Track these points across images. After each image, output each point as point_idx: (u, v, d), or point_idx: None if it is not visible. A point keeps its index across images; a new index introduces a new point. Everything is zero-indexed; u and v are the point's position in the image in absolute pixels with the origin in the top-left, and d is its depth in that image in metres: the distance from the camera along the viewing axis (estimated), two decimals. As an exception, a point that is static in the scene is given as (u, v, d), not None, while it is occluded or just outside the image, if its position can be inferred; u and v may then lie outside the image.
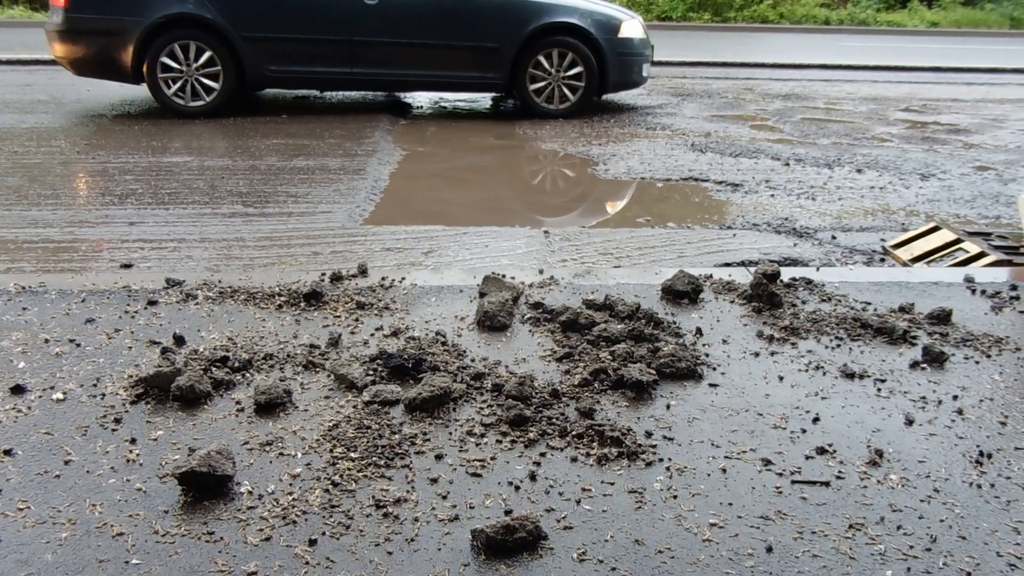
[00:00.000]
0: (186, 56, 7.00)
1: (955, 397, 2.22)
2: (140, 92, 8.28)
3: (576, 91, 7.61)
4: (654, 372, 2.24)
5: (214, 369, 2.22)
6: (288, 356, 2.35)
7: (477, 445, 1.93)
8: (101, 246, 3.77)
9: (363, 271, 3.01)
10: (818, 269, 3.26)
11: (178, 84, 7.06)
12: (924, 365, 2.40)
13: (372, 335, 2.50)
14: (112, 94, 8.26)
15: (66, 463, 1.82)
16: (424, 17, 7.30)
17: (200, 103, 7.14)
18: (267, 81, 7.42)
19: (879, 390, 2.25)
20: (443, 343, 2.44)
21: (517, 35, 7.37)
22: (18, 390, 2.12)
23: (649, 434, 1.99)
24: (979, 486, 1.82)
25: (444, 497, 1.73)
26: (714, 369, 2.34)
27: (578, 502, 1.73)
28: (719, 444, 1.96)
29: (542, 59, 7.49)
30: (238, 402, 2.09)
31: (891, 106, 8.79)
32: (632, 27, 7.69)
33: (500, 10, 7.36)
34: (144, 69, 7.00)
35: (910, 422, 2.08)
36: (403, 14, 7.26)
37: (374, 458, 1.85)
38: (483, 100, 8.69)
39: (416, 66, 7.44)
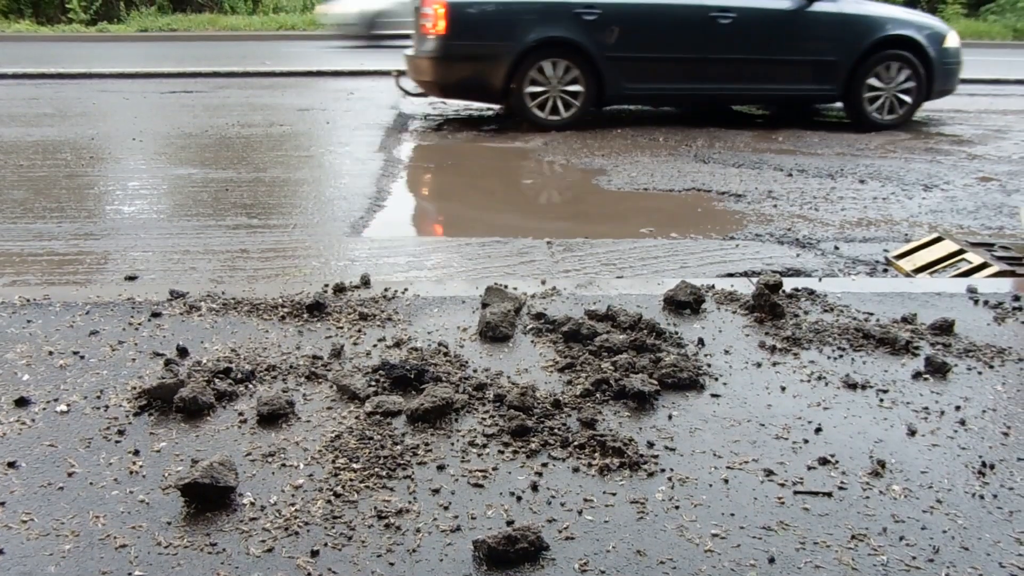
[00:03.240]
0: (544, 75, 7.38)
1: (958, 408, 2.22)
2: (149, 103, 8.33)
3: (904, 101, 7.90)
4: (656, 382, 2.24)
5: (217, 380, 2.22)
6: (291, 367, 2.35)
7: (479, 455, 1.93)
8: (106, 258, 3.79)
9: (366, 282, 3.02)
10: (820, 279, 3.26)
11: (540, 101, 7.46)
12: (927, 376, 2.39)
13: (375, 346, 2.51)
14: (115, 107, 8.31)
15: (70, 475, 1.83)
16: (771, 34, 7.64)
17: (565, 116, 7.51)
18: (623, 98, 7.83)
19: (881, 401, 2.25)
20: (445, 354, 2.45)
21: (856, 48, 7.71)
22: (22, 402, 2.13)
23: (651, 444, 1.99)
24: (982, 497, 1.82)
25: (446, 508, 1.74)
26: (716, 379, 2.35)
27: (580, 512, 1.73)
28: (721, 454, 1.96)
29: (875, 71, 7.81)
30: (241, 413, 2.10)
31: (894, 117, 8.78)
32: (953, 38, 8.04)
33: (842, 25, 7.71)
34: (510, 88, 7.42)
35: (912, 433, 2.08)
36: (752, 32, 7.61)
37: (376, 469, 1.85)
38: (483, 112, 8.72)
39: (758, 80, 7.83)
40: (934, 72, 7.87)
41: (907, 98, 7.91)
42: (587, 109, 7.55)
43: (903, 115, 7.98)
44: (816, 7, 7.62)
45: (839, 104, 8.19)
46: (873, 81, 7.83)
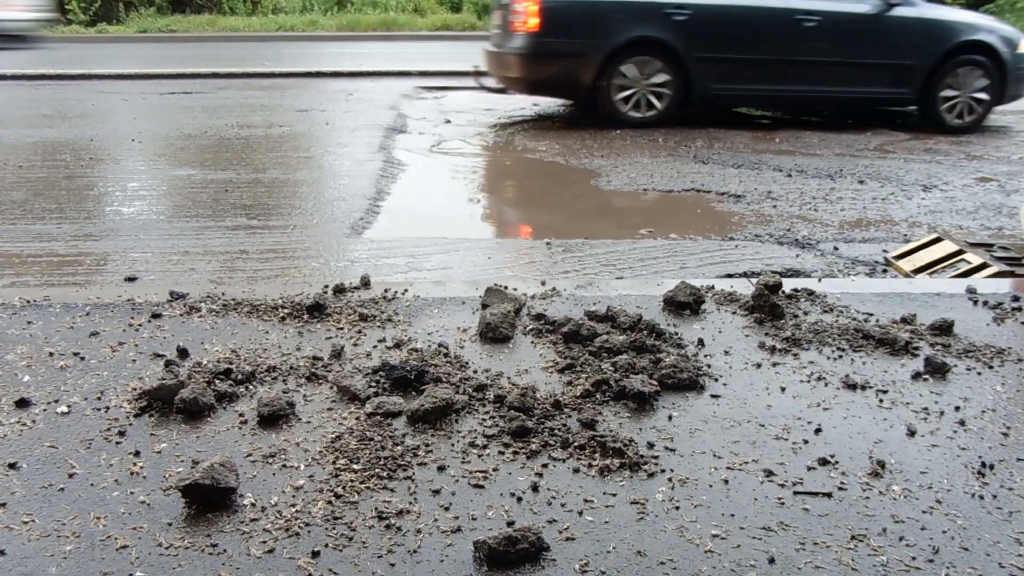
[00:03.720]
0: (631, 73, 7.51)
1: (957, 408, 2.22)
2: (148, 104, 8.34)
3: (980, 104, 8.01)
4: (656, 383, 2.24)
5: (217, 382, 2.23)
6: (291, 368, 2.35)
7: (479, 456, 1.93)
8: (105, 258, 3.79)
9: (366, 283, 3.02)
10: (820, 280, 3.27)
11: (626, 98, 7.59)
12: (926, 376, 2.40)
13: (375, 347, 2.51)
14: (114, 108, 8.31)
15: (70, 476, 1.83)
16: (853, 37, 7.82)
17: (650, 114, 7.65)
18: (708, 99, 7.91)
19: (881, 401, 2.25)
20: (445, 355, 2.45)
21: (935, 53, 7.86)
22: (23, 403, 2.13)
23: (651, 445, 1.99)
24: (981, 497, 1.82)
25: (446, 508, 1.74)
26: (716, 380, 2.35)
27: (580, 513, 1.73)
28: (721, 455, 1.96)
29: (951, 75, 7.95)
30: (241, 414, 2.10)
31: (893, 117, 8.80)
32: None
33: (921, 29, 7.88)
34: (598, 86, 7.52)
35: (912, 433, 2.08)
36: (835, 35, 7.79)
37: (377, 470, 1.86)
38: (487, 115, 8.72)
39: (838, 83, 8.00)
40: (1008, 77, 7.98)
41: (984, 96, 7.97)
42: (673, 107, 7.66)
43: (976, 119, 8.06)
44: (896, 12, 7.75)
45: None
46: (949, 88, 7.93)
